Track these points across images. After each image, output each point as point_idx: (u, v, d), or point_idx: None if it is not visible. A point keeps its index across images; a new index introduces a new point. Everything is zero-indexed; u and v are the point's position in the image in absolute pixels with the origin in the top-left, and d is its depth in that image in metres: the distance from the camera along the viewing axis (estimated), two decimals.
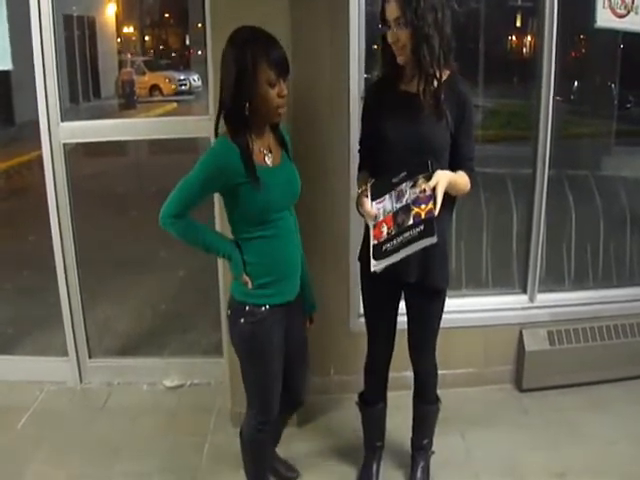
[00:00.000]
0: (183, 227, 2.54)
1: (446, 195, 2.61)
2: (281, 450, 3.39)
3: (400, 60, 2.67)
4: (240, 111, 2.46)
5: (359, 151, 3.02)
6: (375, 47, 3.69)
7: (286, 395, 2.89)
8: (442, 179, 2.52)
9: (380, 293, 3.02)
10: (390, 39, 2.64)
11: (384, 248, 2.49)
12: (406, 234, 2.44)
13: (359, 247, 3.06)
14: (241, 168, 2.45)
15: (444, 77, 2.66)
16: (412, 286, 2.88)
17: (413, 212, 2.46)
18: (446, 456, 3.46)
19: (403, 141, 2.68)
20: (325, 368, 4.02)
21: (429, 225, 2.41)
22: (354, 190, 3.69)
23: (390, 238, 2.48)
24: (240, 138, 2.47)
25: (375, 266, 2.51)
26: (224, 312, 3.57)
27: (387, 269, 2.59)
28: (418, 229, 2.42)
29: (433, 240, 2.40)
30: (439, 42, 2.58)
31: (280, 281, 2.65)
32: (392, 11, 2.58)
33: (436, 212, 2.44)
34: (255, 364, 2.73)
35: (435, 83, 2.63)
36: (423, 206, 2.45)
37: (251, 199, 2.48)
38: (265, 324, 2.64)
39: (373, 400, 3.29)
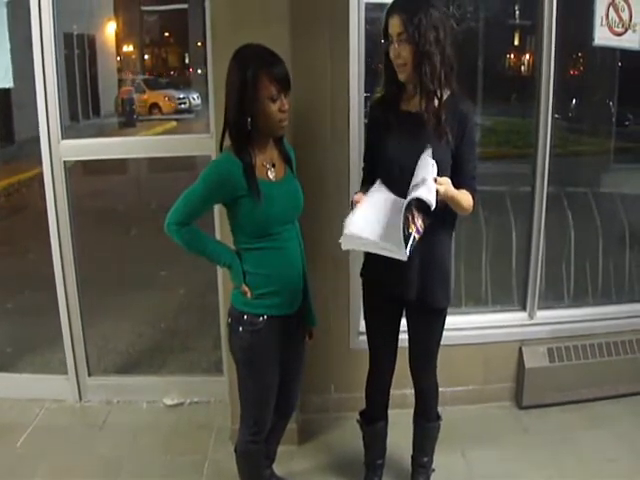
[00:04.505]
0: (186, 234, 2.61)
1: (447, 215, 2.66)
2: (281, 468, 3.38)
3: (401, 77, 2.69)
4: (243, 126, 2.51)
5: (363, 168, 3.04)
6: (374, 67, 3.73)
7: (278, 404, 2.90)
8: (448, 185, 2.55)
9: (381, 311, 3.03)
10: (392, 55, 2.66)
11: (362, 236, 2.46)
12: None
13: (358, 264, 3.07)
14: (243, 181, 2.51)
15: (445, 96, 2.68)
16: (412, 304, 2.89)
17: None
18: (446, 474, 3.45)
19: (403, 160, 2.67)
20: (325, 386, 4.01)
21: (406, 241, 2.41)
22: None
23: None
24: (243, 152, 2.53)
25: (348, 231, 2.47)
26: (224, 330, 3.58)
27: (387, 287, 2.60)
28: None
29: (402, 257, 2.40)
30: (440, 60, 2.60)
31: (280, 293, 2.68)
32: (395, 27, 2.61)
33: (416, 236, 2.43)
34: (251, 373, 2.76)
35: (436, 102, 2.65)
36: (412, 227, 2.44)
37: (252, 212, 2.54)
38: (263, 334, 2.67)
39: (374, 418, 3.28)
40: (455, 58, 2.68)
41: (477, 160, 2.84)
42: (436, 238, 2.73)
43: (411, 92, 2.74)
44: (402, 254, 2.40)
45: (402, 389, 3.33)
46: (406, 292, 2.83)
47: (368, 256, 2.96)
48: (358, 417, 3.34)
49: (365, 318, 3.15)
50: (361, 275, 3.08)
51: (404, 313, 3.04)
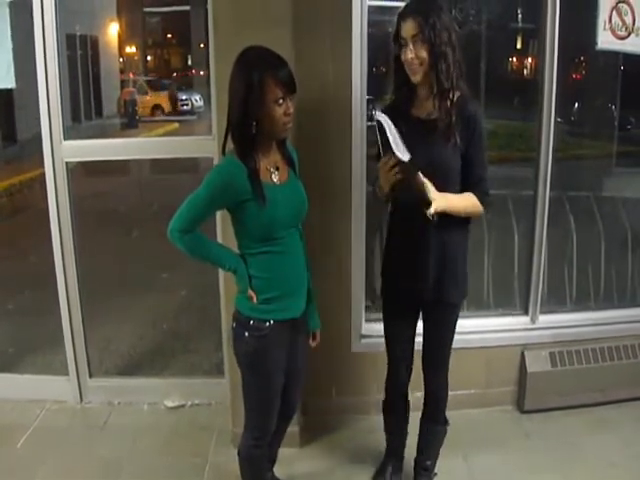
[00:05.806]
0: (190, 241, 2.58)
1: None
2: (282, 471, 3.36)
3: (415, 79, 2.71)
4: (247, 130, 2.48)
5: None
6: (375, 69, 3.73)
7: (280, 407, 2.88)
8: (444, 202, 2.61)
9: (400, 312, 3.07)
10: (407, 56, 2.67)
11: None
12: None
13: (361, 267, 3.07)
14: (247, 185, 2.48)
15: (455, 98, 2.70)
16: (428, 302, 2.94)
17: None
18: (448, 478, 3.44)
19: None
20: (327, 389, 3.99)
21: None
22: (355, 209, 3.71)
23: None
24: (247, 156, 2.50)
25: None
26: (225, 332, 3.57)
27: (405, 282, 2.63)
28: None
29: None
30: (453, 60, 2.65)
31: (285, 297, 2.67)
32: (409, 29, 2.63)
33: None
34: (256, 378, 2.75)
35: (448, 103, 2.67)
36: None
37: (256, 216, 2.51)
38: (268, 339, 2.65)
39: (395, 408, 3.29)
40: (464, 61, 2.72)
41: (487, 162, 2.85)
42: (450, 237, 2.83)
43: (423, 95, 2.76)
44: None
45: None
46: (422, 287, 2.86)
47: (387, 255, 2.97)
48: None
49: (384, 319, 3.15)
50: (382, 275, 3.10)
51: (421, 316, 3.07)
